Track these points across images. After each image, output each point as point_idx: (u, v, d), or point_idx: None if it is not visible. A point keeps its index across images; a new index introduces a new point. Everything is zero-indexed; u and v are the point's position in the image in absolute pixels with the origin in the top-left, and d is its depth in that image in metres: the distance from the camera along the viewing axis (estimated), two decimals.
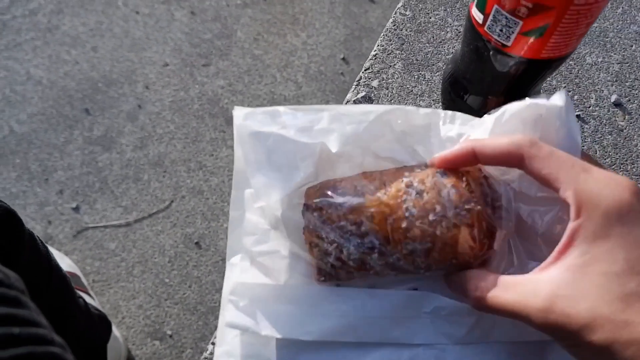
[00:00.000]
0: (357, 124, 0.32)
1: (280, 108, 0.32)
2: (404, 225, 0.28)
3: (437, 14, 0.55)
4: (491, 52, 0.37)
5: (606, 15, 0.54)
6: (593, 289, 0.22)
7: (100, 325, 0.73)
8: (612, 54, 0.51)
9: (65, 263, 0.95)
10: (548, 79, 0.45)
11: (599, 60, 0.51)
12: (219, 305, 1.02)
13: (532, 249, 0.30)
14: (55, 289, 0.53)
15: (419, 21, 0.55)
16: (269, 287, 0.31)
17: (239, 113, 0.31)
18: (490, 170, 0.31)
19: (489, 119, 0.31)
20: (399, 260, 0.29)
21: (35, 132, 1.24)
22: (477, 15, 0.36)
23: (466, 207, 0.28)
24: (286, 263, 0.31)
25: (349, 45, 1.38)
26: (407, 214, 0.28)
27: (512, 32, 0.34)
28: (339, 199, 0.29)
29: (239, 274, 0.32)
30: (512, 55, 0.36)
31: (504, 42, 0.35)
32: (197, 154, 1.20)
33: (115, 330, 0.85)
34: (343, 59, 1.36)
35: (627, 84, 0.49)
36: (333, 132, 0.31)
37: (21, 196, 1.14)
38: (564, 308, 0.23)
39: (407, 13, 0.55)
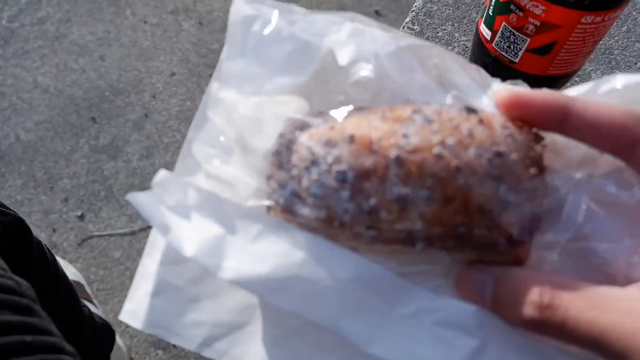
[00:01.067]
0: (382, 44, 0.24)
1: (295, 6, 0.25)
2: (393, 154, 0.19)
3: (444, 29, 0.56)
4: (499, 68, 0.38)
5: (611, 33, 0.55)
6: None
7: (104, 334, 0.73)
8: (616, 72, 0.52)
9: (70, 271, 0.95)
10: None
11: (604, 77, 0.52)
12: None
13: (588, 276, 0.21)
14: (62, 297, 0.54)
15: (426, 36, 0.55)
16: (213, 197, 0.21)
17: None
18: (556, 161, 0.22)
19: (584, 86, 0.22)
20: (380, 211, 0.20)
21: (42, 140, 1.25)
22: (485, 32, 0.37)
23: (496, 150, 0.20)
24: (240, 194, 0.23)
25: None
26: (402, 142, 0.20)
27: (520, 49, 0.35)
28: (317, 120, 0.22)
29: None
30: (519, 71, 0.36)
31: (512, 59, 0.36)
32: None
33: (118, 340, 0.85)
34: None
35: None
36: (349, 44, 0.24)
37: (26, 204, 1.15)
38: None
39: (415, 28, 0.56)
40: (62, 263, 0.99)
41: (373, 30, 0.24)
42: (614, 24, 0.55)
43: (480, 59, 0.39)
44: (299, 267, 0.19)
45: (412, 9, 0.58)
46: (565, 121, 0.20)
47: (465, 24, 0.56)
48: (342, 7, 1.48)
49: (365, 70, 0.24)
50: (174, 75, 1.36)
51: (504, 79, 0.39)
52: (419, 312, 0.20)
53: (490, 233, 0.20)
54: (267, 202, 0.22)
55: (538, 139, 0.21)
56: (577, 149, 0.21)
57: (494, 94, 0.23)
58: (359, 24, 0.24)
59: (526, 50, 0.34)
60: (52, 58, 1.39)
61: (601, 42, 0.53)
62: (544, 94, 0.20)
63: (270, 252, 0.20)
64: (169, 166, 1.20)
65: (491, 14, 0.36)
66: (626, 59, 0.53)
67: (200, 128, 0.24)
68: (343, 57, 0.24)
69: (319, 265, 0.20)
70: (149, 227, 1.10)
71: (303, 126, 0.22)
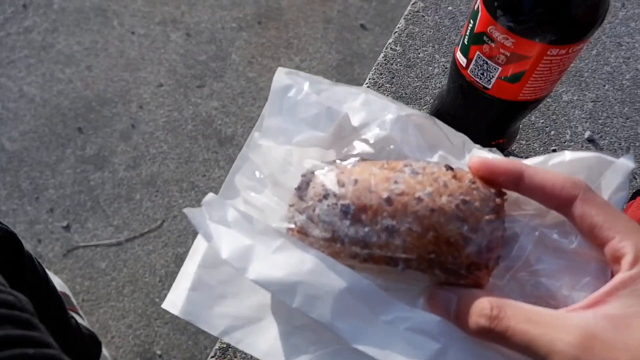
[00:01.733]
0: (387, 112, 0.32)
1: (322, 78, 0.33)
2: (385, 195, 0.26)
3: (425, 50, 0.59)
4: (473, 93, 0.40)
5: (582, 56, 0.58)
6: (638, 343, 0.21)
7: (90, 345, 0.74)
8: (586, 93, 0.55)
9: (56, 282, 0.95)
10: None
11: (575, 98, 0.55)
12: None
13: (532, 302, 0.27)
14: (52, 310, 0.54)
15: (408, 56, 0.58)
16: (247, 217, 0.28)
17: (282, 70, 0.33)
18: (513, 208, 0.29)
19: (540, 157, 0.30)
20: (372, 237, 0.26)
21: (27, 150, 1.24)
22: (461, 59, 0.39)
23: (463, 198, 0.26)
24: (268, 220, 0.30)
25: (341, 70, 1.42)
26: (393, 187, 0.26)
27: (492, 77, 0.37)
28: (332, 166, 0.29)
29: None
30: (492, 97, 0.39)
31: (485, 85, 0.38)
32: (189, 174, 1.21)
33: (104, 350, 0.85)
34: None
35: (599, 121, 0.53)
36: (361, 111, 0.32)
37: (11, 214, 1.15)
38: (602, 351, 0.21)
39: (398, 48, 0.59)
40: (48, 273, 0.99)
41: (382, 101, 0.32)
42: (585, 48, 0.58)
43: (457, 83, 0.42)
44: (306, 275, 0.25)
45: (395, 30, 0.61)
46: (520, 183, 0.26)
47: (445, 45, 0.59)
48: (328, 21, 1.51)
49: (372, 132, 0.31)
50: (161, 86, 1.37)
51: (479, 103, 0.41)
52: (396, 319, 0.25)
53: (454, 260, 0.26)
54: (287, 225, 0.28)
55: (500, 194, 0.27)
56: (532, 203, 0.27)
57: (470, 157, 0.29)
58: (371, 95, 0.32)
59: (498, 77, 0.37)
60: (38, 67, 1.40)
61: (572, 65, 0.56)
62: (504, 162, 0.26)
63: (285, 262, 0.26)
64: (155, 177, 1.21)
65: (466, 43, 0.38)
66: (595, 81, 0.56)
67: (242, 165, 0.32)
68: (356, 120, 0.31)
69: (322, 275, 0.25)
70: (135, 238, 1.11)
71: (321, 169, 0.28)
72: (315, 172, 0.28)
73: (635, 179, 0.49)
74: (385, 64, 0.57)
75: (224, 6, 1.54)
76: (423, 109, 0.53)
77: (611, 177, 0.28)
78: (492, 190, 0.27)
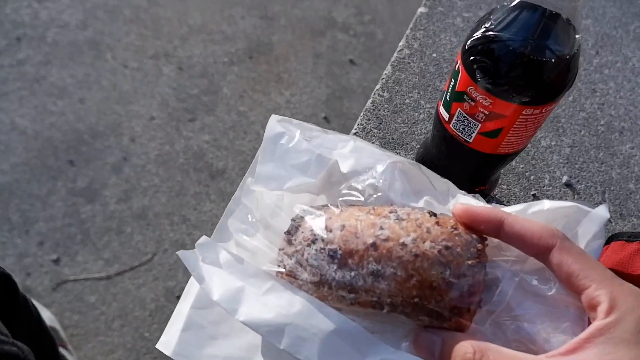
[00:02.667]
0: (375, 159, 0.33)
1: (314, 126, 0.35)
2: (370, 241, 0.27)
3: (411, 96, 0.61)
4: (456, 144, 0.43)
5: (559, 103, 0.61)
6: None
7: None
8: (563, 138, 0.58)
9: (45, 315, 0.95)
10: None
11: (553, 143, 0.58)
12: None
13: (513, 346, 0.28)
14: (44, 350, 0.55)
15: (395, 102, 0.61)
16: (238, 259, 0.29)
17: (275, 117, 0.35)
18: (495, 254, 0.30)
19: (521, 206, 0.31)
20: (358, 281, 0.27)
21: (18, 182, 1.25)
22: (444, 114, 0.42)
23: (445, 244, 0.27)
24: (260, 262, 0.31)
25: (331, 105, 1.45)
26: (378, 232, 0.27)
27: (473, 132, 0.40)
28: (320, 211, 0.30)
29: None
30: (473, 149, 0.41)
31: (466, 139, 0.41)
32: (180, 208, 1.22)
33: None
34: (325, 117, 1.43)
35: (576, 166, 0.56)
36: (350, 158, 0.33)
37: (0, 247, 1.14)
38: None
39: (385, 95, 0.61)
40: (38, 307, 0.99)
41: (370, 148, 0.34)
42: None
43: (441, 134, 0.44)
44: (294, 317, 0.26)
45: (382, 77, 0.64)
46: (500, 231, 0.27)
47: (430, 92, 0.62)
48: (317, 56, 1.55)
49: (360, 178, 0.33)
50: (153, 119, 1.39)
51: (461, 154, 0.44)
52: None
53: (437, 304, 0.27)
54: (277, 268, 0.29)
55: (482, 239, 0.28)
56: (513, 249, 0.29)
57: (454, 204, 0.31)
58: (360, 142, 0.34)
59: (478, 133, 0.39)
60: (30, 100, 1.41)
61: None
62: (486, 210, 0.28)
63: (274, 304, 0.27)
64: (147, 210, 1.21)
65: (448, 99, 0.41)
66: (572, 127, 0.59)
67: (235, 208, 0.33)
68: (345, 167, 0.33)
69: (310, 317, 0.26)
70: (125, 271, 1.11)
71: (310, 214, 0.29)
72: (305, 217, 0.29)
73: (611, 222, 0.52)
74: (373, 110, 0.60)
75: (216, 41, 1.58)
76: (409, 154, 0.56)
77: (588, 226, 0.29)
78: (474, 236, 0.28)
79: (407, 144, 0.57)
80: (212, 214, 1.21)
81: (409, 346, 0.28)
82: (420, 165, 0.34)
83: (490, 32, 0.35)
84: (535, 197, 0.52)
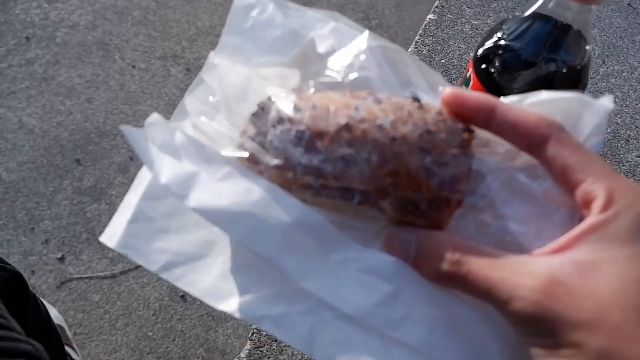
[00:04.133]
0: (356, 42, 0.29)
1: (290, 3, 0.30)
2: (343, 121, 0.24)
3: None
4: None
5: None
6: (605, 290, 0.19)
7: None
8: None
9: (53, 314, 0.96)
10: None
11: None
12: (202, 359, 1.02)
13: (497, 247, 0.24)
14: (52, 348, 0.55)
15: None
16: (194, 142, 0.25)
17: None
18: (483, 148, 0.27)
19: (516, 97, 0.27)
20: (327, 166, 0.23)
21: (24, 181, 1.26)
22: None
23: (427, 129, 0.24)
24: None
25: None
26: (353, 113, 0.24)
27: None
28: (291, 93, 0.26)
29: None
30: None
31: None
32: None
33: None
34: None
35: None
36: (329, 38, 0.29)
37: (5, 245, 1.15)
38: (566, 297, 0.20)
39: None
40: (46, 304, 1.00)
41: (352, 30, 0.30)
42: None
43: None
44: (251, 206, 0.23)
45: None
46: (491, 119, 0.24)
47: None
48: None
49: (339, 60, 0.28)
50: None
51: None
52: (348, 259, 0.23)
53: (415, 195, 0.24)
54: (237, 153, 0.25)
55: (470, 130, 0.25)
56: (502, 145, 0.26)
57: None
58: (341, 24, 0.30)
59: None
60: (38, 99, 1.42)
61: None
62: (478, 96, 0.24)
63: (230, 191, 0.23)
64: None
65: None
66: None
67: (195, 87, 0.29)
68: (322, 47, 0.29)
69: (269, 207, 0.23)
70: (130, 270, 1.12)
71: (280, 96, 0.26)
72: (273, 98, 0.26)
73: None
74: None
75: None
76: None
77: (589, 119, 0.26)
78: (460, 125, 0.25)
79: None
80: None
81: (381, 246, 0.25)
82: (407, 52, 0.29)
83: (503, 41, 0.36)
84: None
